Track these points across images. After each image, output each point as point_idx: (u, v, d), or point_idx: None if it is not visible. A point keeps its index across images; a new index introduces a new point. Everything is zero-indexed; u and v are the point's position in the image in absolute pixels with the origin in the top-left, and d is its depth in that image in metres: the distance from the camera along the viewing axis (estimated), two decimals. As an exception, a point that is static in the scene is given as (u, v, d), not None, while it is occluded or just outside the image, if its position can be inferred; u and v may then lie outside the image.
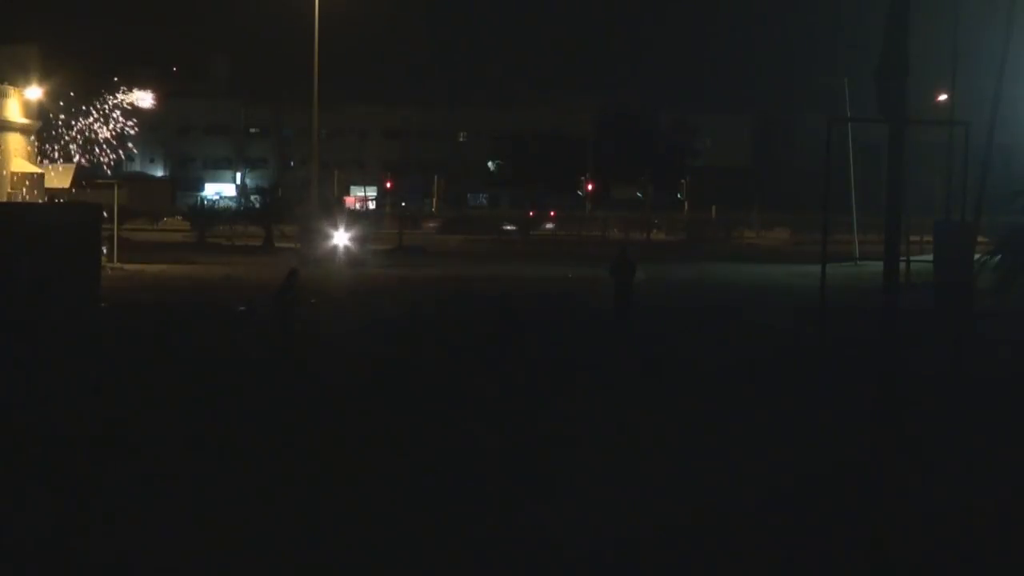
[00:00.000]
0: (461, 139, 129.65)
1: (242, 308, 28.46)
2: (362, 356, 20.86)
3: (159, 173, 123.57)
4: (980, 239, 27.08)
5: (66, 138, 51.77)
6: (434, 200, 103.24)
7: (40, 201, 46.89)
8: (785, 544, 10.41)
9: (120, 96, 54.20)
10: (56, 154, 51.12)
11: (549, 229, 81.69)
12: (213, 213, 70.01)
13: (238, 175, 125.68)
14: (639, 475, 12.67)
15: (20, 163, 50.29)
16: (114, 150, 54.09)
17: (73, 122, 52.04)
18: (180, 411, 15.58)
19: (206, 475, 12.35)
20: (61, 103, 50.03)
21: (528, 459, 13.31)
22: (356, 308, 29.17)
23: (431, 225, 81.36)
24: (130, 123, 54.83)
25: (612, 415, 15.82)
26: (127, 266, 42.04)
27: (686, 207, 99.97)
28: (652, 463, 13.19)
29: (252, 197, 70.10)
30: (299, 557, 9.84)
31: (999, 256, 26.06)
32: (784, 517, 11.17)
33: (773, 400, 16.93)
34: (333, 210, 59.84)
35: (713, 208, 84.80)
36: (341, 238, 48.88)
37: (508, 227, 78.47)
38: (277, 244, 57.97)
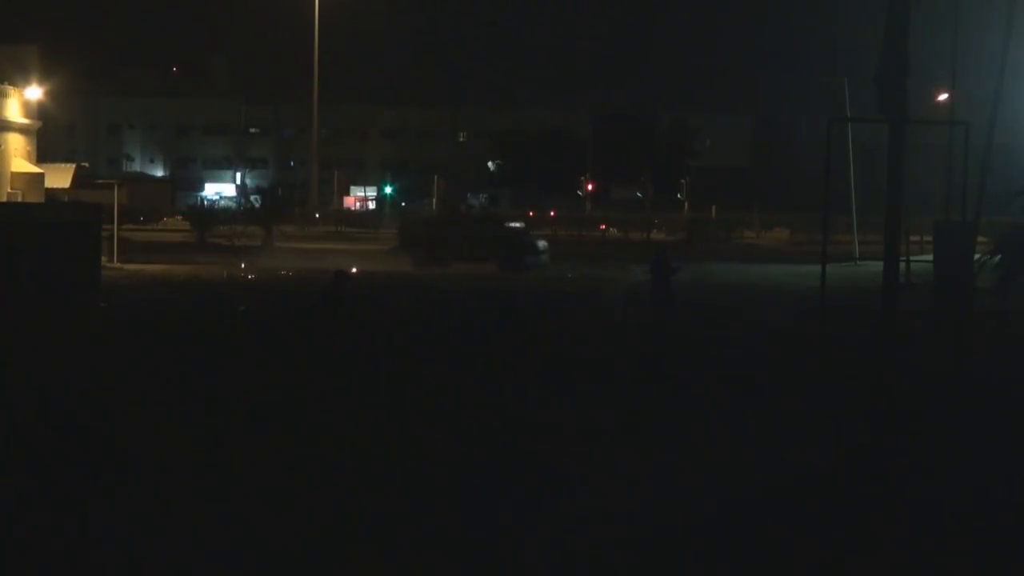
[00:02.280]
0: (461, 139, 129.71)
1: (242, 308, 28.48)
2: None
3: (159, 173, 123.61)
4: (980, 239, 27.07)
5: None
6: (433, 200, 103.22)
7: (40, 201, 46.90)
8: (781, 544, 10.41)
9: None
10: None
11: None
12: (213, 213, 70.14)
13: (238, 175, 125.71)
14: (637, 473, 12.68)
15: (20, 163, 50.38)
16: None
17: None
18: (182, 409, 15.58)
19: (202, 477, 12.36)
20: None
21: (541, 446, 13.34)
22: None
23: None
24: None
25: (610, 412, 15.82)
26: (127, 266, 42.05)
27: (686, 207, 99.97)
28: (646, 462, 13.19)
29: (252, 197, 70.14)
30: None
31: (999, 256, 26.08)
32: (782, 516, 11.18)
33: (772, 400, 16.92)
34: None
35: (713, 208, 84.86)
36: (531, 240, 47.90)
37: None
38: (278, 244, 57.97)
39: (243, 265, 42.53)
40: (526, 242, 46.53)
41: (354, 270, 40.60)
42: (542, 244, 46.98)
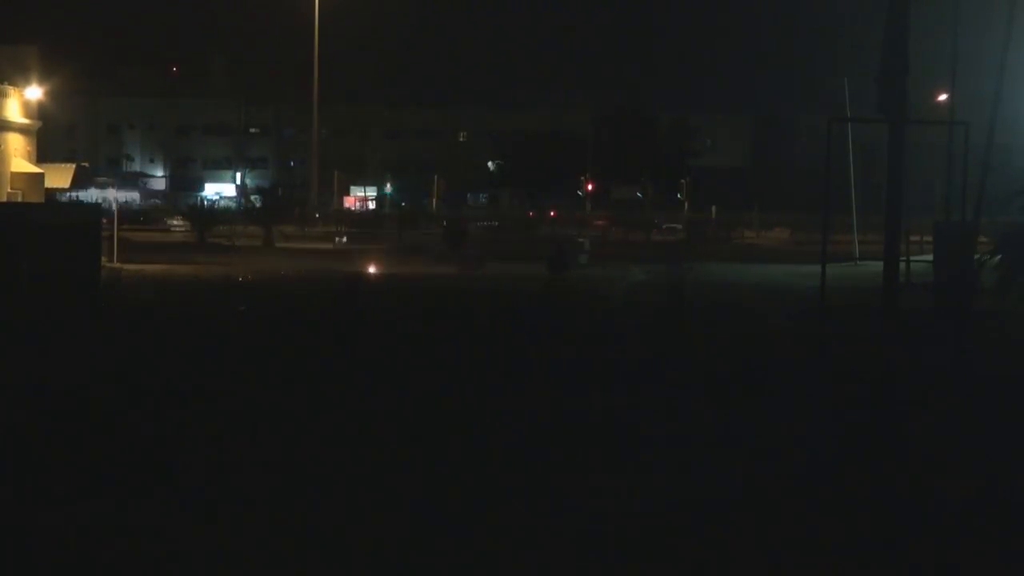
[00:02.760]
0: (461, 139, 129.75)
1: (242, 308, 28.48)
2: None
3: (159, 173, 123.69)
4: (980, 239, 27.08)
5: None
6: (433, 200, 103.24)
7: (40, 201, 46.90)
8: (783, 544, 10.43)
9: None
10: None
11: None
12: (213, 213, 70.21)
13: (238, 175, 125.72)
14: (636, 470, 12.70)
15: (20, 163, 50.42)
16: None
17: None
18: (182, 408, 15.60)
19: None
20: None
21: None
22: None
23: (599, 223, 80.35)
24: None
25: (608, 410, 15.84)
26: (127, 266, 42.05)
27: (686, 207, 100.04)
28: (644, 461, 13.21)
29: (252, 197, 70.24)
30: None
31: (999, 256, 26.07)
32: (784, 515, 11.19)
33: (772, 399, 16.93)
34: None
35: (713, 208, 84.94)
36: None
37: (673, 225, 79.13)
38: (277, 244, 58.03)
39: (242, 266, 42.55)
40: (575, 243, 46.94)
41: (372, 270, 40.76)
42: (587, 244, 47.29)
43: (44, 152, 56.21)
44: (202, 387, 17.30)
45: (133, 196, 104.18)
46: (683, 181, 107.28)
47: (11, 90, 50.19)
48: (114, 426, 14.55)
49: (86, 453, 13.15)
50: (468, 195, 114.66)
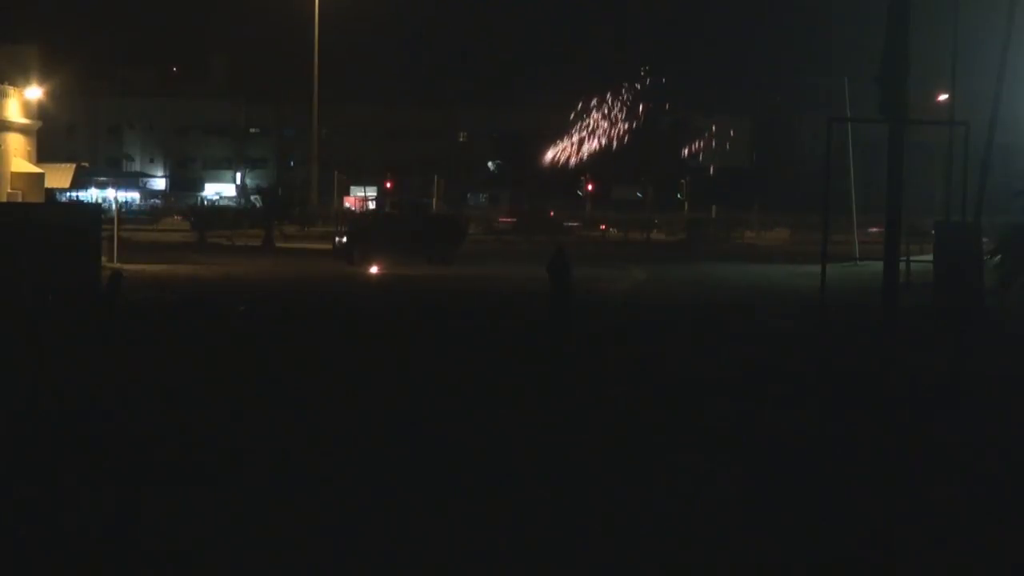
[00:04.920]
0: (461, 139, 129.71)
1: (243, 308, 28.47)
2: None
3: (159, 173, 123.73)
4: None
5: None
6: (433, 200, 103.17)
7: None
8: (787, 546, 10.44)
9: None
10: None
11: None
12: (213, 213, 70.18)
13: (238, 175, 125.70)
14: (634, 468, 12.71)
15: (20, 163, 50.42)
16: None
17: None
18: (181, 406, 15.61)
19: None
20: None
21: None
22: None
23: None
24: None
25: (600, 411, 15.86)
26: (127, 266, 42.02)
27: (686, 207, 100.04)
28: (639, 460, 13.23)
29: (252, 197, 70.17)
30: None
31: (999, 256, 26.10)
32: (788, 518, 11.20)
33: (771, 399, 16.93)
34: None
35: (713, 208, 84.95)
36: None
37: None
38: (278, 244, 58.01)
39: (242, 266, 42.53)
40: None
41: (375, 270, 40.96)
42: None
43: (44, 152, 56.13)
44: (196, 386, 17.33)
45: (133, 196, 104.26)
46: (683, 181, 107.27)
47: (11, 90, 50.20)
48: (112, 426, 14.56)
49: (83, 452, 13.19)
50: (468, 195, 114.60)
